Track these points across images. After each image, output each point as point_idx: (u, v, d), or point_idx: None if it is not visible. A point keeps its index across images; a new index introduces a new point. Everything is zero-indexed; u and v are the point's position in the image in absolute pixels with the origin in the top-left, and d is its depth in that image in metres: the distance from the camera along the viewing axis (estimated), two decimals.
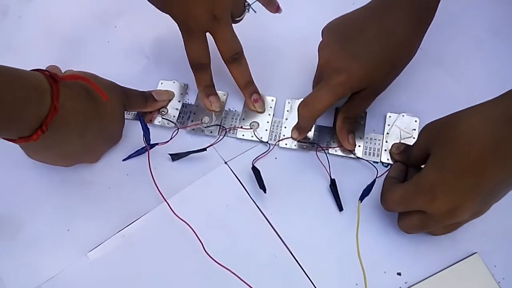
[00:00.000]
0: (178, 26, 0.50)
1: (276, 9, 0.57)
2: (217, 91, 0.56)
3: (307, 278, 0.47)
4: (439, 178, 0.40)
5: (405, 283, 0.47)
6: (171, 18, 0.50)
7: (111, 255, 0.49)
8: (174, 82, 0.58)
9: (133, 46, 0.62)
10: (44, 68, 0.44)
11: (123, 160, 0.54)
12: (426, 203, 0.41)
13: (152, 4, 0.51)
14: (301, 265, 0.48)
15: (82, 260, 0.49)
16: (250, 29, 0.55)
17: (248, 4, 0.53)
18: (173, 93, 0.57)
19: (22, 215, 0.52)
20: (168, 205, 0.50)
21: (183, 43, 0.51)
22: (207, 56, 0.52)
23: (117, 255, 0.49)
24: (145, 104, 0.55)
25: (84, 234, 0.50)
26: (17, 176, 0.54)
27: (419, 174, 0.43)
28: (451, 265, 0.47)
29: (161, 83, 0.58)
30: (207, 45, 0.51)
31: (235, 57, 0.52)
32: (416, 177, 0.43)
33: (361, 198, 0.49)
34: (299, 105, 0.50)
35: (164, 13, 0.51)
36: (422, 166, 0.45)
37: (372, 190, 0.49)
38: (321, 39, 0.51)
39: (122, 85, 0.52)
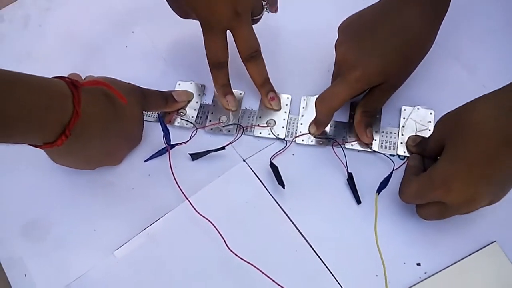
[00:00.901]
0: (200, 23, 0.51)
1: (275, 9, 0.58)
2: (234, 90, 0.57)
3: (328, 270, 0.48)
4: (452, 170, 0.41)
5: (425, 273, 0.47)
6: (189, 22, 0.52)
7: (137, 253, 0.51)
8: (191, 83, 0.60)
9: (151, 50, 0.64)
10: (65, 75, 0.45)
11: (145, 161, 0.56)
12: (442, 196, 0.42)
13: (175, 11, 0.53)
14: (321, 258, 0.49)
15: (109, 259, 0.51)
16: (265, 28, 0.56)
17: (267, 3, 0.54)
18: (192, 94, 0.59)
19: (51, 218, 0.54)
20: (190, 203, 0.51)
21: (199, 45, 0.53)
22: (225, 55, 0.53)
23: (142, 252, 0.51)
24: (165, 104, 0.56)
25: (110, 233, 0.52)
26: (44, 181, 0.56)
27: (433, 166, 0.43)
28: (470, 254, 0.48)
29: (179, 84, 0.60)
30: (227, 44, 0.52)
31: (253, 55, 0.53)
32: (430, 170, 0.43)
33: (379, 190, 0.49)
34: (316, 100, 0.51)
35: (181, 19, 0.53)
36: (438, 158, 0.46)
37: (389, 183, 0.50)
38: (335, 36, 0.52)
39: (142, 87, 0.54)
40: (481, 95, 0.42)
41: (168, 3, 0.53)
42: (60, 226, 0.53)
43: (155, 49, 0.64)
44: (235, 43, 0.52)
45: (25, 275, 0.51)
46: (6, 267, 0.52)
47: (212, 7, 0.49)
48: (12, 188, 0.56)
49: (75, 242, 0.52)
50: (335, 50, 0.51)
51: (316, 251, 0.49)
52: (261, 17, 0.54)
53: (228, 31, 0.52)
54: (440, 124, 0.45)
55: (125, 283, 0.50)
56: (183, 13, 0.53)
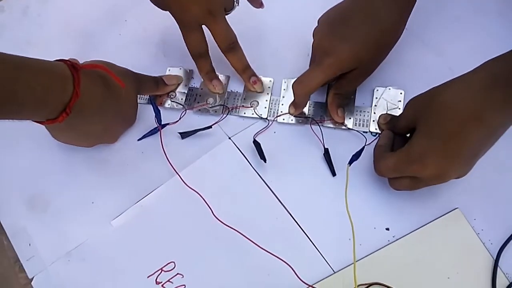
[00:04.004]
0: (176, 21, 0.55)
1: (259, 4, 0.61)
2: (219, 75, 0.61)
3: (306, 235, 0.53)
4: (428, 146, 0.45)
5: (393, 236, 0.52)
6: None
7: (132, 222, 0.55)
8: (180, 68, 0.64)
9: (142, 37, 0.68)
10: (66, 59, 0.49)
11: (138, 140, 0.60)
12: (417, 170, 0.46)
13: (153, 3, 0.56)
14: (300, 224, 0.54)
15: (106, 228, 0.55)
16: (250, 15, 0.60)
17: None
18: (182, 77, 0.63)
19: (51, 192, 0.58)
20: (180, 177, 0.56)
21: None
22: (205, 46, 0.57)
23: (137, 222, 0.55)
24: (156, 88, 0.60)
25: (106, 205, 0.57)
26: (45, 158, 0.60)
27: (409, 143, 0.47)
28: (434, 220, 0.52)
29: (169, 70, 0.64)
30: (204, 35, 0.56)
31: (231, 46, 0.56)
32: (407, 146, 0.47)
33: (350, 162, 0.53)
34: (293, 83, 0.54)
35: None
36: (407, 135, 0.50)
37: (361, 157, 0.54)
38: (314, 24, 0.55)
39: (135, 72, 0.57)
40: (447, 76, 0.46)
41: None
42: (60, 199, 0.58)
43: (147, 37, 0.68)
44: (213, 37, 0.56)
45: (29, 244, 0.56)
46: (11, 237, 0.56)
47: (185, 8, 0.53)
48: (15, 164, 0.60)
49: (74, 213, 0.57)
50: (313, 38, 0.55)
51: (295, 218, 0.54)
52: (232, 10, 0.57)
53: None
54: (412, 104, 0.49)
55: (121, 249, 0.55)
56: (162, 7, 0.56)
